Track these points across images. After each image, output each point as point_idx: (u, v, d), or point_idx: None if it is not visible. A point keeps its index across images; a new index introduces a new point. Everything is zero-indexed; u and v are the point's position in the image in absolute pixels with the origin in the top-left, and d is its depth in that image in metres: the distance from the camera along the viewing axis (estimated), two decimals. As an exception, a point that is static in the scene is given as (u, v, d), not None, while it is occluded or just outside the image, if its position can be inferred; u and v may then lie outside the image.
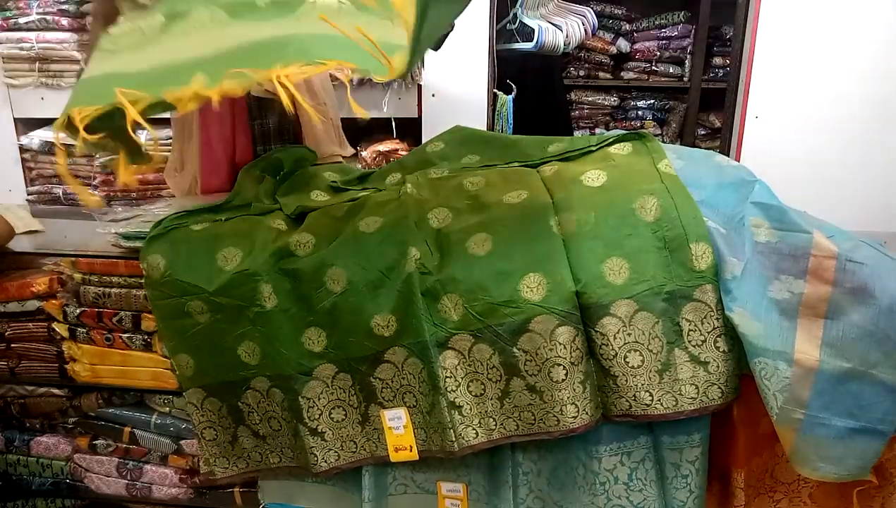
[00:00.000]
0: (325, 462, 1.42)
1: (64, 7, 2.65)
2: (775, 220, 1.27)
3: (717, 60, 3.55)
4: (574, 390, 1.29)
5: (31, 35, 2.66)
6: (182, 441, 1.58)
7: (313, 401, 1.39)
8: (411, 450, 1.39)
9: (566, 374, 1.28)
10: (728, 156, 2.67)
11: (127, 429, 1.60)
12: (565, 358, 1.27)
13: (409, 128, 2.67)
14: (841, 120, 2.49)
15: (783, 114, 2.53)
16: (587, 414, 1.30)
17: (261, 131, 1.97)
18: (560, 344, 1.27)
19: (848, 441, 1.20)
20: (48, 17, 2.64)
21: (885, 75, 2.44)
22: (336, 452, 1.43)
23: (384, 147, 2.59)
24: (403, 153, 2.58)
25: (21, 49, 2.67)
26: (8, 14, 2.67)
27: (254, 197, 1.61)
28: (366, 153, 2.59)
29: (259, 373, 1.40)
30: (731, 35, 2.84)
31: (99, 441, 1.63)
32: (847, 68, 2.45)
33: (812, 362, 1.19)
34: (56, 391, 1.61)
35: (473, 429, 1.35)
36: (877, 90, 2.46)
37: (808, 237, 1.22)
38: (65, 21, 2.66)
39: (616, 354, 1.28)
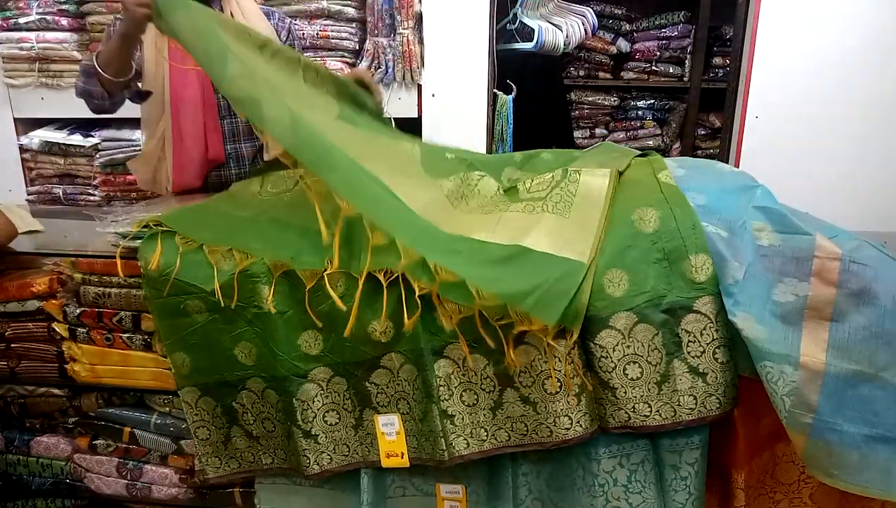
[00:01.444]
0: (318, 464, 1.43)
1: (64, 7, 2.65)
2: (777, 224, 1.27)
3: (717, 60, 3.55)
4: (568, 402, 1.29)
5: (31, 35, 2.66)
6: (182, 441, 1.58)
7: (307, 404, 1.39)
8: (402, 457, 1.39)
9: (560, 386, 1.28)
10: (728, 155, 2.67)
11: (127, 429, 1.60)
12: (560, 371, 1.27)
13: (409, 128, 2.66)
14: (841, 120, 2.49)
15: (783, 114, 2.53)
16: (581, 426, 1.31)
17: (230, 129, 1.98)
18: (555, 356, 1.27)
19: (866, 449, 1.18)
20: (48, 17, 2.64)
21: (884, 75, 2.44)
22: (329, 455, 1.43)
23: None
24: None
25: (21, 49, 2.67)
26: (8, 14, 2.67)
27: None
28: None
29: (254, 374, 1.41)
30: (731, 35, 2.83)
31: (99, 441, 1.63)
32: (847, 68, 2.45)
33: (818, 365, 1.18)
34: (56, 391, 1.61)
35: (465, 439, 1.35)
36: (877, 90, 2.46)
37: (810, 239, 1.22)
38: (65, 21, 2.66)
39: (615, 366, 1.28)
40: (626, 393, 1.29)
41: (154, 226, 1.44)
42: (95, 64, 1.71)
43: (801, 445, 1.21)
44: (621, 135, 3.71)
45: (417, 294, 1.27)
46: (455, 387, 1.33)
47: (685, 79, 3.58)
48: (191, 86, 1.89)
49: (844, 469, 1.20)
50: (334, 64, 2.54)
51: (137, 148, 2.78)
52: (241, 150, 2.00)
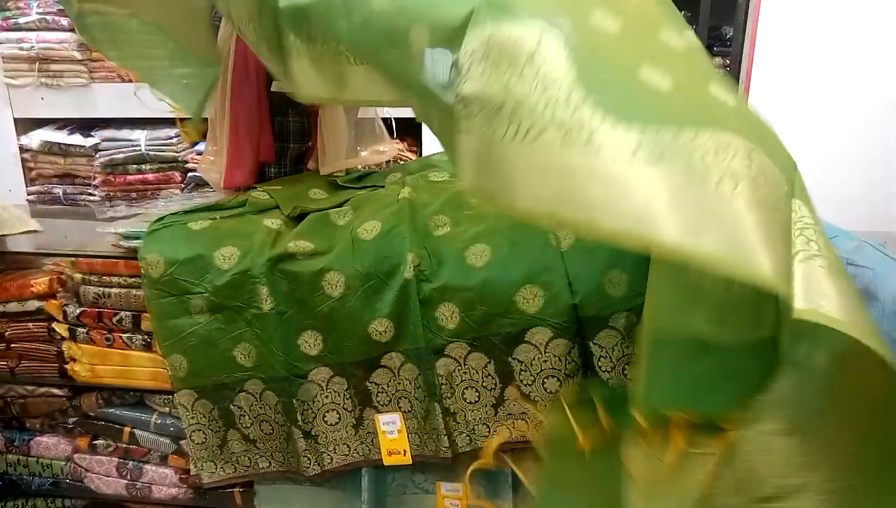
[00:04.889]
0: (318, 464, 1.43)
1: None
2: None
3: (717, 60, 3.54)
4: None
5: (31, 35, 2.66)
6: (182, 442, 1.57)
7: (308, 404, 1.39)
8: (405, 454, 1.39)
9: (560, 385, 1.28)
10: (728, 156, 2.67)
11: (127, 429, 1.60)
12: (560, 370, 1.27)
13: (409, 128, 2.66)
14: (841, 120, 2.49)
15: (783, 114, 2.52)
16: None
17: (280, 128, 1.94)
18: (555, 356, 1.27)
19: None
20: (48, 17, 2.65)
21: (885, 75, 2.44)
22: (329, 455, 1.43)
23: (384, 147, 2.59)
24: (404, 153, 2.58)
25: (21, 49, 2.67)
26: (8, 14, 2.68)
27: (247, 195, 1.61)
28: (366, 153, 2.59)
29: (253, 375, 1.41)
30: (731, 35, 2.83)
31: (99, 441, 1.63)
32: (847, 68, 2.45)
33: None
34: (56, 391, 1.61)
35: (467, 436, 1.35)
36: (877, 90, 2.46)
37: (809, 239, 1.22)
38: (65, 21, 2.66)
39: (614, 366, 1.28)
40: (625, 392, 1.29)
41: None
42: None
43: None
44: (621, 135, 3.71)
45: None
46: (457, 385, 1.33)
47: (685, 79, 3.58)
48: (249, 84, 1.87)
49: None
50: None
51: (137, 147, 2.78)
52: (287, 149, 1.94)
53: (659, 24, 0.89)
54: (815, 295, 0.69)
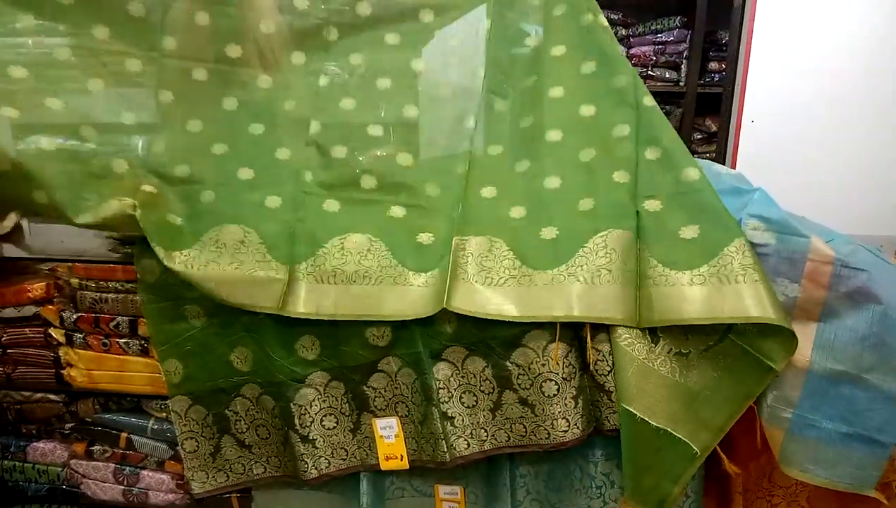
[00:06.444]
0: (316, 469, 1.43)
1: (61, 12, 2.64)
2: (774, 224, 1.28)
3: (713, 65, 3.55)
4: (566, 405, 1.29)
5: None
6: (178, 447, 1.57)
7: (305, 409, 1.39)
8: (402, 459, 1.39)
9: (558, 389, 1.28)
10: (724, 159, 2.68)
11: (124, 435, 1.59)
12: (557, 374, 1.27)
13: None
14: (836, 123, 2.50)
15: (779, 118, 2.54)
16: (578, 428, 1.31)
17: None
18: (552, 359, 1.27)
19: (841, 446, 1.20)
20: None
21: (880, 79, 2.45)
22: (327, 459, 1.43)
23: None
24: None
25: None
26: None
27: None
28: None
29: (250, 380, 1.40)
30: (727, 40, 2.85)
31: (95, 447, 1.63)
32: (842, 72, 2.46)
33: (803, 362, 1.20)
34: (52, 396, 1.60)
35: (465, 440, 1.35)
36: (872, 94, 2.47)
37: (805, 241, 1.22)
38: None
39: (611, 370, 1.28)
40: None
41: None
42: None
43: (779, 440, 1.22)
44: (618, 139, 3.71)
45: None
46: (454, 389, 1.33)
47: (681, 83, 3.59)
48: None
49: (819, 464, 1.22)
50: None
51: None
52: None
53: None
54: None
